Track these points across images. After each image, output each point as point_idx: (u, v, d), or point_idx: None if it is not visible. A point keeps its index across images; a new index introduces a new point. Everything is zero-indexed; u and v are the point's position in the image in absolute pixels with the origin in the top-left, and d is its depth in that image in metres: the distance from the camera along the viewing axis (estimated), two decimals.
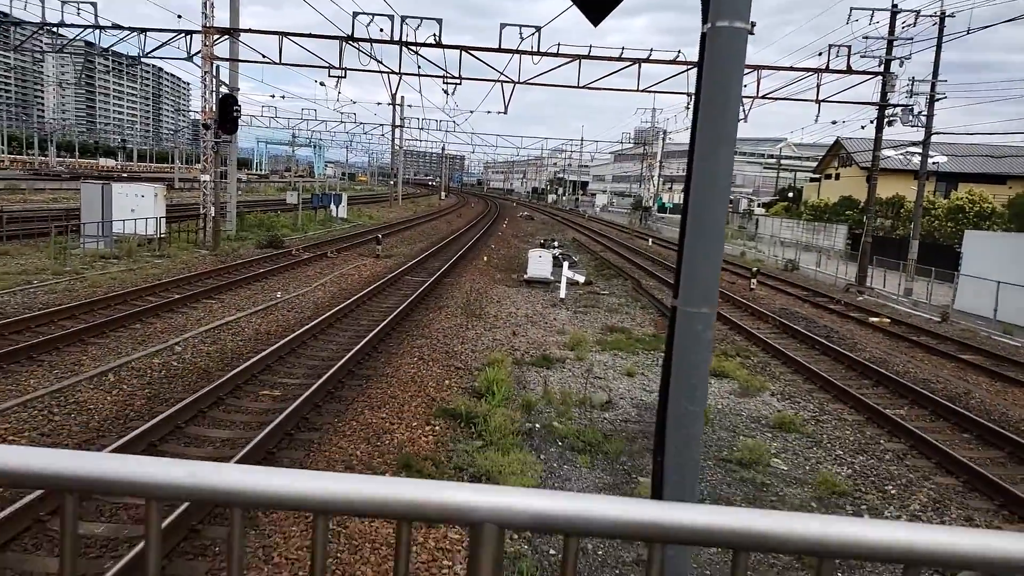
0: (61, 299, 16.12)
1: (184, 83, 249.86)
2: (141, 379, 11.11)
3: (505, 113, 31.39)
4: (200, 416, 9.75)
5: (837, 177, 61.24)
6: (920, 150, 32.64)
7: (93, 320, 14.26)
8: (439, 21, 26.52)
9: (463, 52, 27.32)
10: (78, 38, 31.28)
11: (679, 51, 27.15)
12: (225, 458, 8.27)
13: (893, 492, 8.72)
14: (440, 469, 8.54)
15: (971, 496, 8.67)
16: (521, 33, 25.95)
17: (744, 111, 28.89)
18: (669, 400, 2.68)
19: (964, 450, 10.24)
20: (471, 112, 73.99)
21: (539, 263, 25.28)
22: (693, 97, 2.67)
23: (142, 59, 31.36)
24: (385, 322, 15.53)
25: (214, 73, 29.19)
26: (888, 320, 21.97)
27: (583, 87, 28.22)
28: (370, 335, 14.18)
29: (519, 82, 27.94)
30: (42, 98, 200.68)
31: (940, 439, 10.50)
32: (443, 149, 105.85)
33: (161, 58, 32.84)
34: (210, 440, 9.07)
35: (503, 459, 8.62)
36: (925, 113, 30.72)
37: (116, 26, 29.40)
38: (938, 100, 30.74)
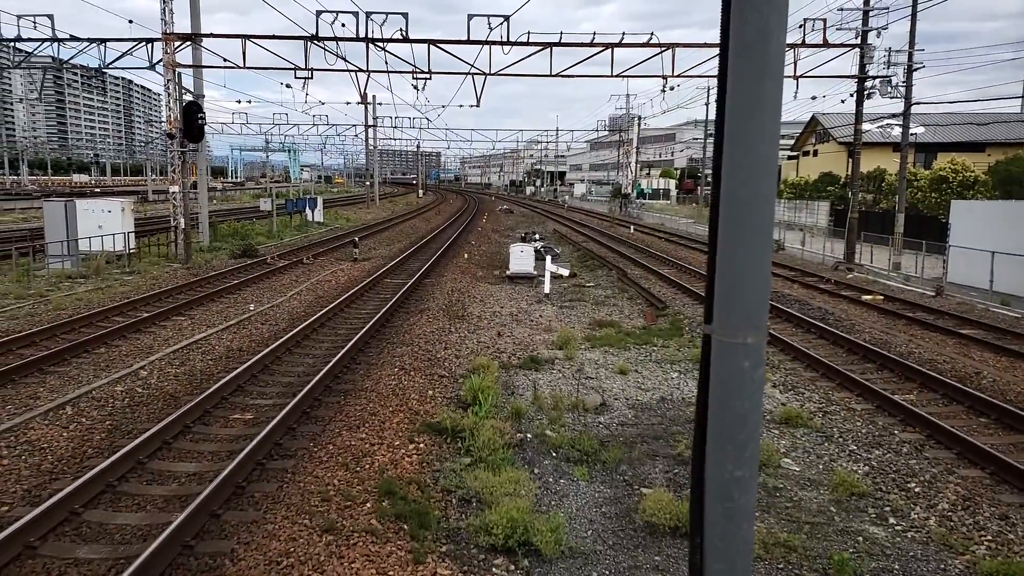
0: (22, 325, 15.25)
1: (155, 94, 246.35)
2: (102, 410, 10.32)
3: (478, 106, 30.66)
4: (164, 448, 8.99)
5: (815, 154, 60.95)
6: (899, 121, 32.21)
7: (54, 346, 13.42)
8: (405, 15, 25.73)
9: (431, 46, 26.53)
10: (37, 52, 30.20)
11: (652, 34, 26.55)
12: (190, 495, 7.53)
13: (917, 490, 8.10)
14: (426, 493, 7.85)
15: (1002, 490, 8.06)
16: (490, 23, 25.26)
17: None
18: (707, 463, 1.97)
19: (985, 437, 9.64)
20: (443, 107, 73.18)
21: (521, 258, 24.60)
22: (719, 54, 1.98)
23: (104, 70, 30.35)
24: (363, 330, 14.79)
25: (177, 81, 28.20)
26: (881, 297, 21.47)
27: (556, 75, 27.53)
28: (348, 346, 13.43)
29: (490, 73, 27.21)
30: (11, 116, 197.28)
31: (957, 426, 9.91)
32: (418, 147, 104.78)
33: (123, 68, 31.91)
34: (174, 475, 8.32)
35: (494, 478, 7.92)
36: (904, 83, 30.27)
37: (74, 38, 28.41)
38: (916, 70, 30.30)
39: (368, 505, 7.40)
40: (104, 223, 26.09)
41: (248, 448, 8.44)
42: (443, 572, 6.40)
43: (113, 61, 28.63)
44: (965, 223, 24.24)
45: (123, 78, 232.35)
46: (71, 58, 30.43)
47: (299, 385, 11.34)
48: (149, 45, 27.60)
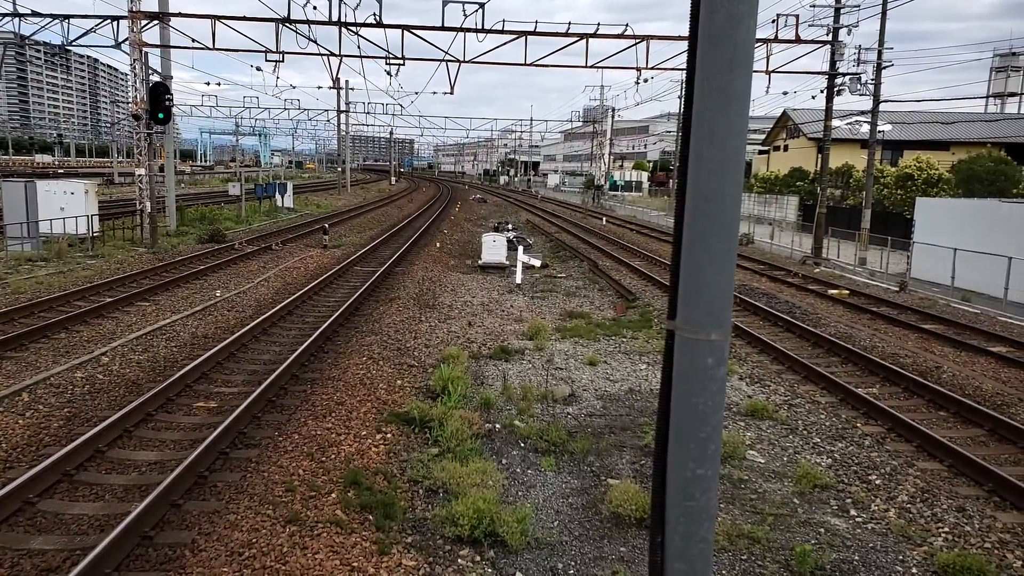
0: None
1: (122, 73, 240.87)
2: (60, 397, 10.08)
3: (451, 93, 30.40)
4: (125, 437, 8.82)
5: (786, 149, 61.55)
6: (867, 119, 32.62)
7: (11, 331, 13.07)
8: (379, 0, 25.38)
9: (405, 31, 26.24)
10: None
11: (626, 25, 26.52)
12: (150, 485, 7.40)
13: (878, 482, 8.22)
14: (392, 484, 7.79)
15: (959, 482, 8.22)
16: (464, 11, 25.03)
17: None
18: (669, 460, 1.95)
19: (944, 430, 9.83)
20: (416, 94, 72.60)
21: (493, 248, 24.54)
22: (688, 44, 1.94)
23: (68, 47, 29.58)
24: (332, 319, 14.64)
25: (144, 61, 27.58)
26: (847, 291, 21.77)
27: (530, 64, 27.40)
28: (315, 334, 13.28)
29: (465, 61, 26.99)
30: None
31: (918, 419, 10.09)
32: (391, 133, 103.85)
33: (88, 46, 31.01)
34: (135, 464, 8.16)
35: (461, 469, 7.89)
36: (873, 81, 30.63)
37: (36, 13, 27.64)
38: (885, 68, 30.68)
39: (333, 496, 7.32)
40: (66, 205, 25.52)
41: (211, 437, 8.31)
42: (408, 563, 6.36)
43: (77, 38, 27.92)
44: (929, 220, 24.67)
45: (88, 56, 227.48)
46: (33, 34, 29.64)
47: (265, 373, 11.19)
48: (115, 23, 26.94)
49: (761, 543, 6.88)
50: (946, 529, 7.20)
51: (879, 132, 33.37)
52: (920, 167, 41.15)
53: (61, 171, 76.16)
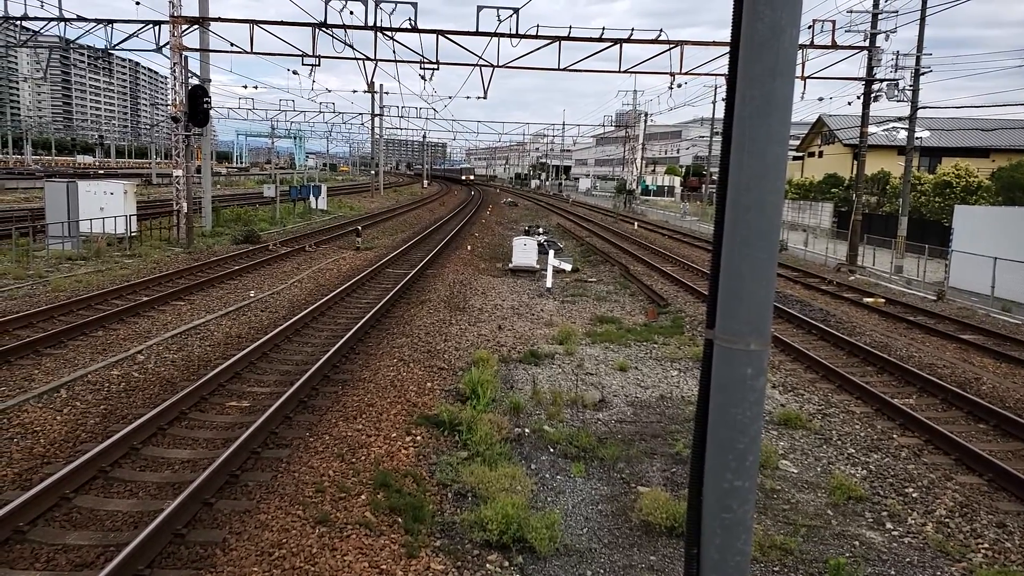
0: (19, 306, 15.20)
1: (161, 76, 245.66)
2: (97, 394, 10.27)
3: (485, 98, 30.49)
4: (159, 434, 8.95)
5: (820, 155, 60.74)
6: (904, 125, 32.05)
7: (51, 328, 13.37)
8: (414, 5, 25.57)
9: (440, 36, 26.41)
10: (44, 31, 30.12)
11: (660, 30, 26.40)
12: (183, 483, 7.51)
13: (915, 496, 8.05)
14: (421, 487, 7.81)
15: (1000, 497, 8.01)
16: (499, 16, 25.11)
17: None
18: (706, 471, 1.93)
19: (983, 443, 9.60)
20: (450, 98, 72.84)
21: (524, 251, 24.54)
22: (729, 52, 1.92)
23: (111, 51, 30.24)
24: (363, 320, 14.73)
25: (184, 64, 28.09)
26: (883, 300, 21.39)
27: (563, 69, 27.40)
28: (347, 335, 13.37)
29: (498, 66, 27.07)
30: (16, 95, 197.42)
31: (956, 431, 9.86)
32: (424, 137, 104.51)
33: (130, 50, 31.71)
34: (168, 462, 8.28)
35: (490, 473, 7.89)
36: (911, 87, 30.10)
37: (81, 18, 28.33)
38: (923, 74, 30.13)
39: (363, 497, 7.36)
40: (106, 205, 26.08)
41: (243, 436, 8.40)
42: (436, 567, 6.36)
43: (120, 42, 28.54)
44: (968, 228, 24.14)
45: (130, 60, 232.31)
46: (78, 38, 30.36)
47: (297, 374, 11.29)
48: (156, 27, 27.49)
49: (794, 555, 6.77)
50: (986, 545, 7.02)
51: (917, 139, 32.75)
52: (959, 174, 40.33)
53: (101, 172, 77.84)
